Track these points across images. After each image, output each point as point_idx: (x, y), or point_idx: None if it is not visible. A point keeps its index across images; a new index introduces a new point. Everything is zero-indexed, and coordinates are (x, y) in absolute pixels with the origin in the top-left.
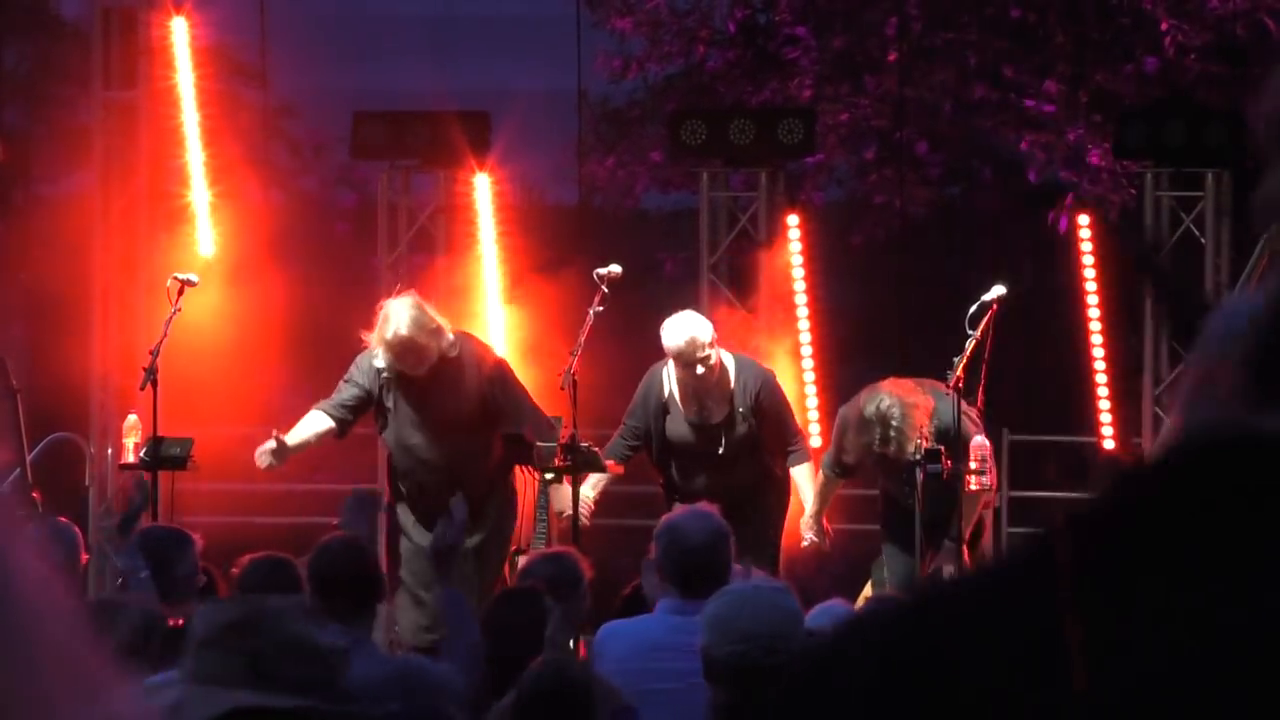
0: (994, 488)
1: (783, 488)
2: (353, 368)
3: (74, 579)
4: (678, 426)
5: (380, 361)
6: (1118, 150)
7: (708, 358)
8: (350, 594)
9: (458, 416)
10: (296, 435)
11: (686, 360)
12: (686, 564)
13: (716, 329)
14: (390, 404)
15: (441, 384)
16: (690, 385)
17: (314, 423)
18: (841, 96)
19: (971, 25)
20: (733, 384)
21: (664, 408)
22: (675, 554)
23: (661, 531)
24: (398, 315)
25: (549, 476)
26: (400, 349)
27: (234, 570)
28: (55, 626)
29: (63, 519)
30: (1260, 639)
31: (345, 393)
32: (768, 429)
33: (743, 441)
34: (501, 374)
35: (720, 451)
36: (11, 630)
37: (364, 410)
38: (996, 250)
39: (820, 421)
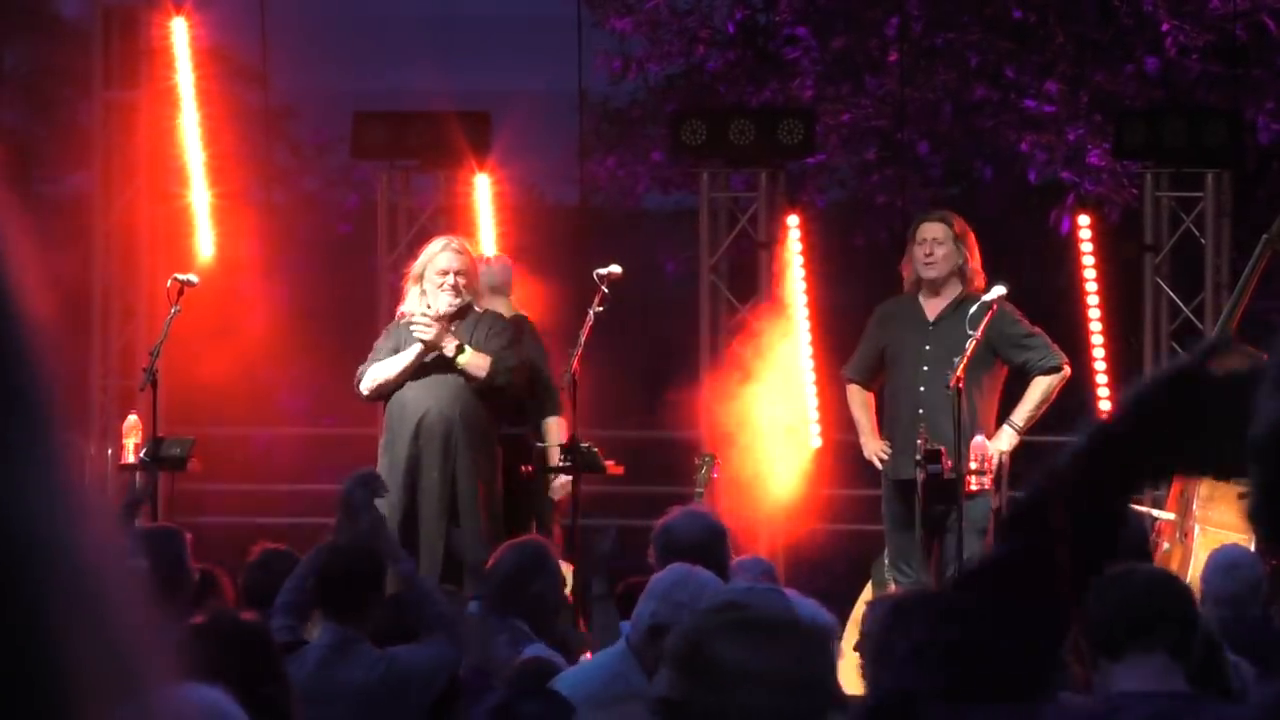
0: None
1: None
2: (379, 341)
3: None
4: None
5: (412, 297)
6: (1118, 150)
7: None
8: (350, 593)
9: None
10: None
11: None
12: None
13: (716, 330)
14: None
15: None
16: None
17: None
18: (842, 97)
19: (972, 25)
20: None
21: None
22: (669, 555)
23: (657, 534)
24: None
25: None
26: (458, 244)
27: (249, 559)
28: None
29: None
30: None
31: (381, 355)
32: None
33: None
34: (501, 317)
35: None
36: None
37: None
38: (997, 250)
39: (820, 422)
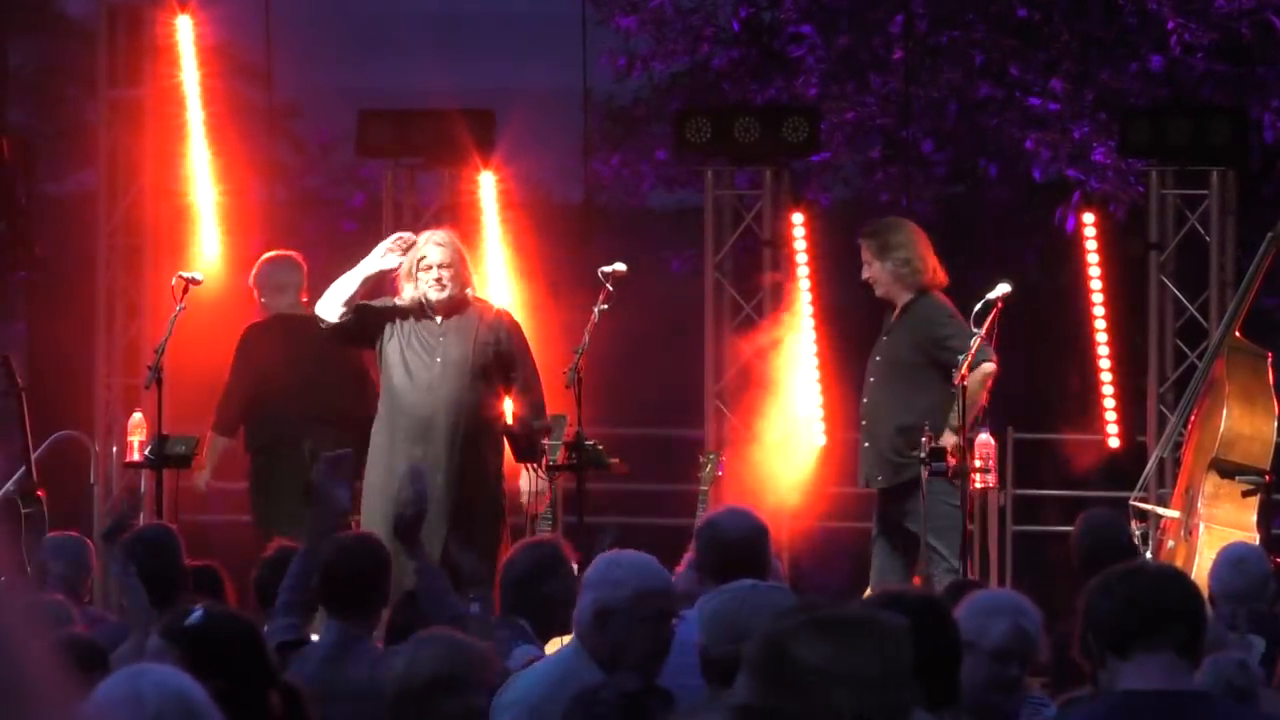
0: (994, 485)
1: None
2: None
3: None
4: None
5: (407, 294)
6: (1123, 148)
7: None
8: (356, 592)
9: (463, 361)
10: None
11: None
12: (725, 560)
13: (721, 329)
14: (393, 350)
15: (453, 326)
16: None
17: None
18: (847, 95)
19: (977, 23)
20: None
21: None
22: (715, 550)
23: (702, 527)
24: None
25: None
26: (443, 235)
27: (264, 554)
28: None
29: (73, 532)
30: None
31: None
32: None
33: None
34: (513, 321)
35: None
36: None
37: (366, 323)
38: (1001, 248)
39: (825, 420)
